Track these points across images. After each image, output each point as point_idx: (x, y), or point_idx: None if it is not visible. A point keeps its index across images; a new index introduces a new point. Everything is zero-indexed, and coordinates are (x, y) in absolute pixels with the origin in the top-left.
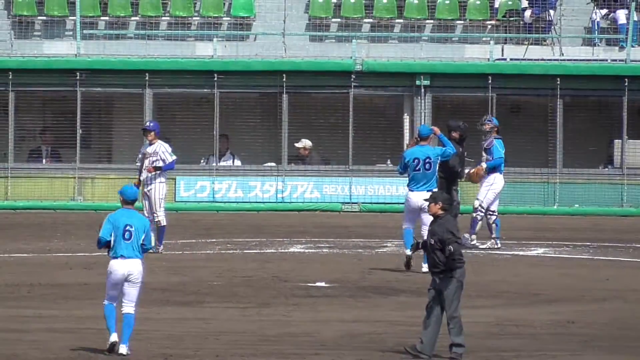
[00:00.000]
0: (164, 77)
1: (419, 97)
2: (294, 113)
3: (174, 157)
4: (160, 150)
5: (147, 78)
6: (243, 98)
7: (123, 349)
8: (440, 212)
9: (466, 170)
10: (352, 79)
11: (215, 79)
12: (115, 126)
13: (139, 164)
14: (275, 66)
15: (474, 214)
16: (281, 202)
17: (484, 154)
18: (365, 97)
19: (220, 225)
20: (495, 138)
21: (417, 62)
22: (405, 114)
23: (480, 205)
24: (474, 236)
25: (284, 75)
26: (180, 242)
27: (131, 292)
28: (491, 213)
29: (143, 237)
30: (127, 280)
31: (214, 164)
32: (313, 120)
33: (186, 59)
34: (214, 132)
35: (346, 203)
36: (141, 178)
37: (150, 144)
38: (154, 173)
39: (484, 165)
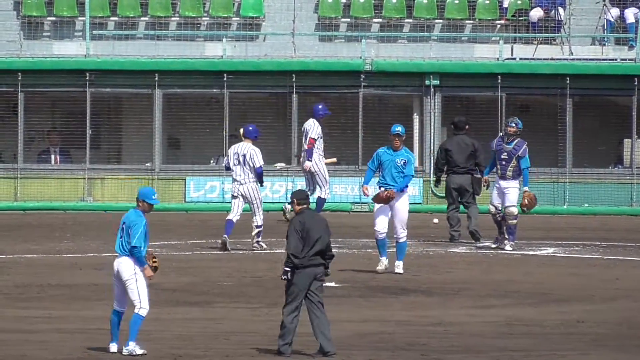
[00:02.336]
0: (173, 78)
1: (429, 97)
2: (304, 113)
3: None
4: None
5: (156, 78)
6: (252, 98)
7: (126, 350)
8: (298, 207)
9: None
10: (362, 79)
11: (225, 79)
12: (125, 126)
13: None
14: (284, 66)
15: (515, 221)
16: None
17: (504, 156)
18: (375, 97)
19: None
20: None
21: (426, 61)
22: (415, 114)
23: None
24: (512, 243)
25: (294, 75)
26: (190, 242)
27: (128, 292)
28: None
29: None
30: (119, 279)
31: (224, 164)
32: (323, 120)
33: (195, 59)
34: (224, 133)
35: (356, 203)
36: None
37: None
38: None
39: (527, 188)
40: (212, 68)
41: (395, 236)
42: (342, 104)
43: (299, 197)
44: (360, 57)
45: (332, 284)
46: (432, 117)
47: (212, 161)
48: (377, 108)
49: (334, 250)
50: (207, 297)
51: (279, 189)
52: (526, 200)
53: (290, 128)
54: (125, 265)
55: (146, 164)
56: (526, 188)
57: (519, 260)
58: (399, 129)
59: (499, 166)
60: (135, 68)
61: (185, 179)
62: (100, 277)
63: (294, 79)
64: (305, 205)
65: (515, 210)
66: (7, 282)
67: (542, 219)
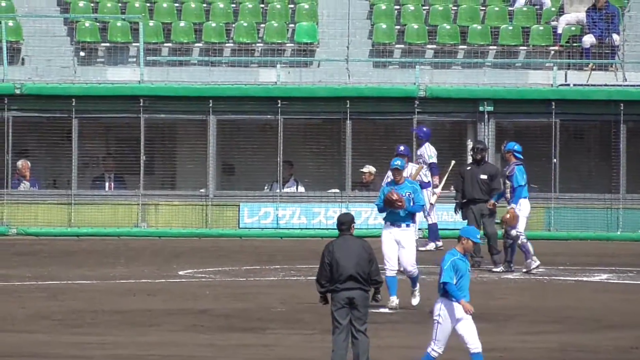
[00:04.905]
0: (227, 104)
1: (482, 123)
2: (358, 139)
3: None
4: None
5: (210, 104)
6: (306, 124)
7: None
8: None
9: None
10: (416, 105)
11: (279, 105)
12: (179, 153)
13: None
14: (338, 92)
15: (519, 241)
16: None
17: (507, 181)
18: (429, 123)
19: (284, 251)
20: (515, 165)
21: (480, 88)
22: (469, 140)
23: (518, 232)
24: (529, 261)
25: (348, 101)
26: (244, 268)
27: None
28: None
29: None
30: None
31: (278, 191)
32: (376, 146)
33: (250, 86)
34: (278, 159)
35: None
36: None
37: None
38: None
39: (514, 205)
40: (266, 94)
41: (406, 274)
42: (396, 130)
43: (337, 222)
44: (414, 83)
45: (386, 310)
46: (486, 143)
47: (266, 187)
48: (432, 134)
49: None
50: (261, 323)
51: (332, 215)
52: (508, 215)
53: (345, 154)
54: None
55: (200, 190)
56: (513, 205)
57: (573, 287)
58: (398, 162)
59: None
60: (189, 94)
61: (239, 205)
62: (154, 303)
63: (348, 105)
64: (342, 232)
65: (513, 233)
66: (62, 307)
67: (596, 245)
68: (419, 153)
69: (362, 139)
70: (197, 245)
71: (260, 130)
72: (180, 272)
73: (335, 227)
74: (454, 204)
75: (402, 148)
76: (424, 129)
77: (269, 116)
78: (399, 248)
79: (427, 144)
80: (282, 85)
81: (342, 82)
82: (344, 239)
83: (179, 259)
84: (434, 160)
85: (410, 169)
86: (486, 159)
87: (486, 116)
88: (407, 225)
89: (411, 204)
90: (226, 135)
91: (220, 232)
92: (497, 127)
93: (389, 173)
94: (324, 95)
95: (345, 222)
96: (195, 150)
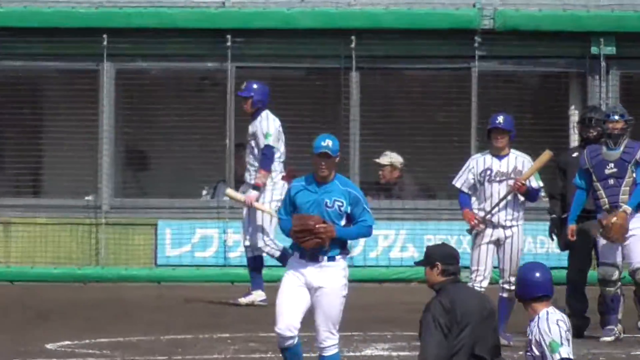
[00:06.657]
0: (135, 43)
1: (597, 76)
2: (371, 104)
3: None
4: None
5: (104, 43)
6: (278, 78)
7: None
8: (442, 278)
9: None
10: (476, 45)
11: (229, 44)
12: (50, 129)
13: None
14: (336, 21)
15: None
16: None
17: (610, 170)
18: (500, 75)
19: (238, 307)
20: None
21: (592, 13)
22: (572, 106)
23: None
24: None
25: (353, 37)
26: (164, 338)
27: None
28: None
29: None
30: None
31: (226, 198)
32: (405, 116)
33: (175, 9)
34: (227, 141)
35: (467, 267)
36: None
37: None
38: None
39: (628, 208)
40: (205, 25)
41: (317, 343)
42: (440, 88)
43: (445, 257)
44: (474, 6)
45: None
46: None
47: (204, 192)
48: (504, 95)
49: None
50: None
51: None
52: (615, 219)
53: (347, 130)
54: None
55: (86, 198)
56: (628, 209)
57: None
58: (327, 142)
59: (602, 192)
60: (68, 25)
61: (156, 225)
62: None
63: (353, 45)
64: (453, 275)
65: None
66: None
67: None
68: (250, 131)
69: (379, 103)
70: (81, 298)
71: (195, 90)
72: (49, 346)
73: (424, 264)
74: (548, 223)
75: (500, 119)
76: (254, 86)
77: (210, 64)
78: (313, 298)
79: (265, 114)
80: (235, 7)
81: (343, 3)
82: (459, 289)
83: (47, 322)
84: (271, 142)
85: (521, 160)
86: None
87: (603, 64)
88: (332, 259)
89: (342, 223)
90: (133, 98)
91: (121, 272)
92: (623, 83)
93: (473, 160)
94: (311, 26)
95: (457, 259)
96: (78, 125)
